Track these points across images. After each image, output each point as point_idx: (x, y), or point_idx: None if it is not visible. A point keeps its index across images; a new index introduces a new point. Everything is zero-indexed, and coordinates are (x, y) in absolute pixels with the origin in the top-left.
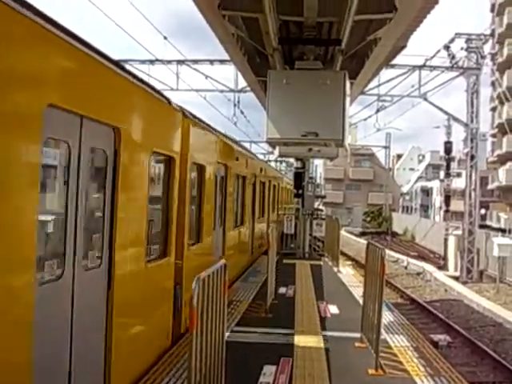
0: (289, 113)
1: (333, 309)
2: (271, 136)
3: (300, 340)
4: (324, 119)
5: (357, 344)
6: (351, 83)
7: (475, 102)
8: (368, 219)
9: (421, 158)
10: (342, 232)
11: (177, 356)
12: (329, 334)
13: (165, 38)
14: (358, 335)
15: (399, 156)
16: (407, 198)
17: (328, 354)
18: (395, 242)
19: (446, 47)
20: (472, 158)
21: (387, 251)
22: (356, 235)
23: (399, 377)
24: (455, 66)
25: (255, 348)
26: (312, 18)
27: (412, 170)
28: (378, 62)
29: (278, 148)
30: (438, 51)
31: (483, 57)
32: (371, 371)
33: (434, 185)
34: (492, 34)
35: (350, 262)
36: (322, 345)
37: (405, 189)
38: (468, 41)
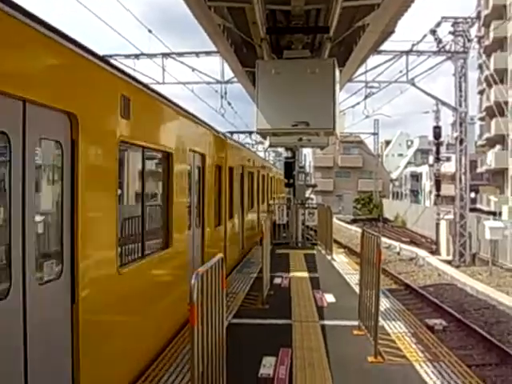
0: (278, 103)
1: (329, 297)
2: (261, 127)
3: (298, 330)
4: (314, 108)
5: (355, 332)
6: (340, 71)
7: (463, 86)
8: (359, 206)
9: (409, 143)
10: (334, 220)
11: (176, 350)
12: (326, 322)
13: (149, 31)
14: (355, 323)
15: (388, 142)
16: (397, 183)
17: (327, 342)
18: (387, 228)
19: (433, 32)
20: (461, 141)
21: None
22: (347, 222)
23: (398, 363)
24: (442, 50)
25: (253, 340)
26: (299, 6)
27: (401, 155)
28: (367, 48)
29: (268, 138)
30: (425, 36)
31: (470, 40)
32: (371, 359)
33: (424, 170)
34: (478, 17)
35: (342, 250)
36: (320, 334)
37: (394, 175)
38: (454, 24)
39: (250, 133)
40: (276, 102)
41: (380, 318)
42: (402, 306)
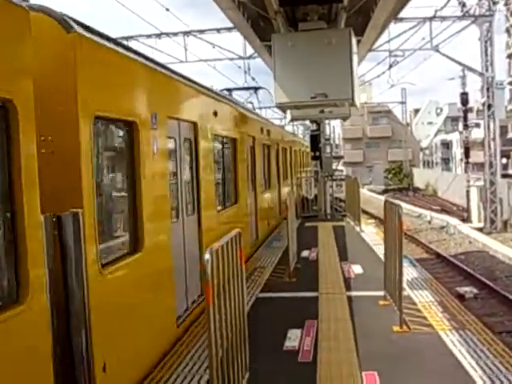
0: (296, 75)
1: (356, 269)
2: (280, 100)
3: (324, 302)
4: (332, 79)
5: (381, 302)
6: (358, 40)
7: (489, 50)
8: (389, 176)
9: (439, 111)
10: (364, 191)
11: (195, 336)
12: (353, 293)
13: (167, 9)
14: (382, 293)
15: (417, 111)
16: (427, 152)
17: (352, 313)
18: (417, 197)
19: None
20: (489, 107)
21: (410, 207)
22: (378, 193)
23: (424, 332)
24: (466, 14)
25: (280, 313)
26: None
27: (430, 123)
28: (384, 16)
29: (289, 112)
30: (449, 1)
31: (495, 3)
32: (396, 328)
33: (454, 137)
34: None
35: (372, 221)
36: (346, 305)
37: (424, 143)
38: None
39: (251, 88)
40: (293, 75)
41: (406, 288)
42: (429, 275)
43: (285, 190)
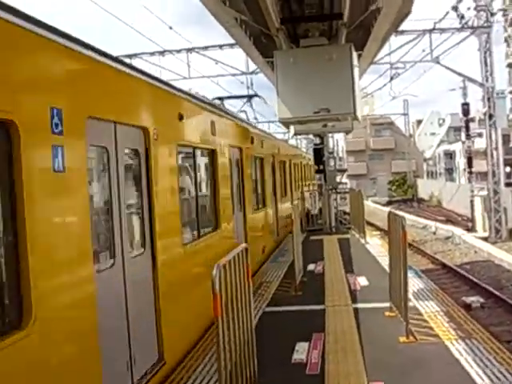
0: (299, 91)
1: (362, 281)
2: (283, 116)
3: (331, 314)
4: (334, 94)
5: (387, 313)
6: (359, 54)
7: (489, 61)
8: (393, 188)
9: (441, 121)
10: (369, 203)
11: (204, 350)
12: (359, 305)
13: (170, 28)
14: (387, 305)
15: (419, 122)
16: (431, 163)
17: (359, 325)
18: (422, 208)
19: (455, 8)
20: (490, 117)
21: (415, 218)
22: (383, 205)
23: (430, 342)
24: (465, 26)
25: (287, 326)
26: None
27: (433, 134)
28: (384, 30)
29: (292, 127)
30: (447, 13)
31: (493, 14)
32: (402, 339)
33: (457, 147)
34: None
35: (377, 232)
36: (352, 317)
37: (428, 154)
38: None
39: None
40: (296, 91)
41: (412, 299)
42: (434, 286)
43: (283, 207)
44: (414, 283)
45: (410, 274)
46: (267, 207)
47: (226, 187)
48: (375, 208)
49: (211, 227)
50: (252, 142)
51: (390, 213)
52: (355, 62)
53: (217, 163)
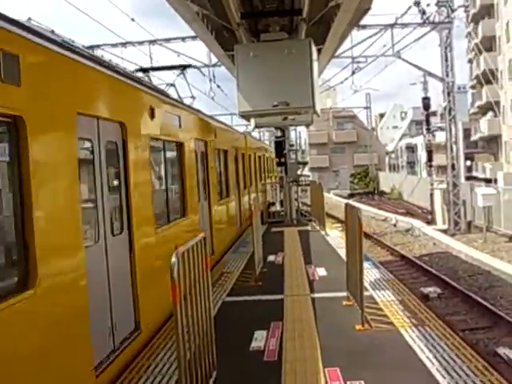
0: (258, 85)
1: (321, 271)
2: (243, 109)
3: (290, 304)
4: (293, 88)
5: (344, 302)
6: (319, 49)
7: (449, 56)
8: (355, 181)
9: (403, 115)
10: (331, 195)
11: (161, 343)
12: (317, 295)
13: (132, 19)
14: (345, 294)
15: (382, 115)
16: (393, 156)
17: (316, 314)
18: (383, 201)
19: (417, 3)
20: (450, 111)
21: (376, 210)
22: (344, 197)
23: (385, 329)
24: (427, 21)
25: (246, 316)
26: None
27: (396, 127)
28: (343, 26)
29: (252, 120)
30: (409, 8)
31: (454, 10)
32: (358, 327)
33: (419, 141)
34: None
35: (338, 225)
36: (310, 306)
37: (390, 147)
38: None
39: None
40: (256, 85)
41: (369, 288)
42: (391, 276)
43: (246, 199)
44: (372, 273)
45: (367, 265)
46: (230, 198)
47: (192, 178)
48: (337, 201)
49: (179, 214)
50: (215, 136)
51: (346, 204)
52: (314, 56)
53: (184, 155)
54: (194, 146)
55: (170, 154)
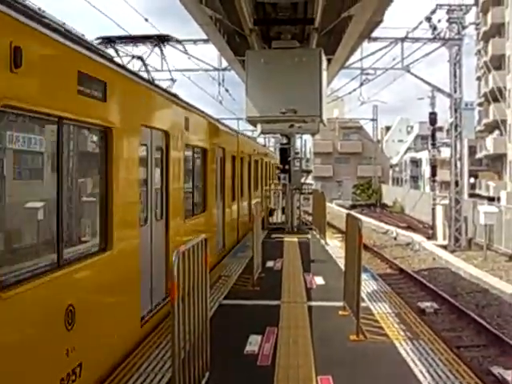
0: (267, 91)
1: (318, 280)
2: (251, 114)
3: (286, 310)
4: (302, 96)
5: (340, 312)
6: (329, 59)
7: (458, 72)
8: (358, 192)
9: (409, 129)
10: (333, 205)
11: (156, 341)
12: (314, 303)
13: (146, 19)
14: (341, 304)
15: (388, 128)
16: (397, 169)
17: (312, 322)
18: (385, 214)
19: (428, 19)
20: (456, 127)
21: (377, 223)
22: (346, 208)
23: (379, 341)
24: (437, 37)
25: (242, 319)
26: None
27: (401, 141)
28: (355, 37)
29: (259, 125)
30: (420, 23)
31: (464, 27)
32: (353, 337)
33: (423, 155)
34: (476, 3)
35: (339, 235)
36: (306, 314)
37: (394, 160)
38: (449, 11)
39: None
40: (265, 91)
41: (366, 299)
42: (389, 289)
43: (253, 201)
44: (370, 285)
45: (366, 277)
46: (243, 198)
47: (212, 180)
48: (339, 211)
49: (201, 209)
50: (238, 145)
51: (348, 215)
52: (324, 66)
53: (207, 160)
54: (216, 152)
55: (197, 158)
